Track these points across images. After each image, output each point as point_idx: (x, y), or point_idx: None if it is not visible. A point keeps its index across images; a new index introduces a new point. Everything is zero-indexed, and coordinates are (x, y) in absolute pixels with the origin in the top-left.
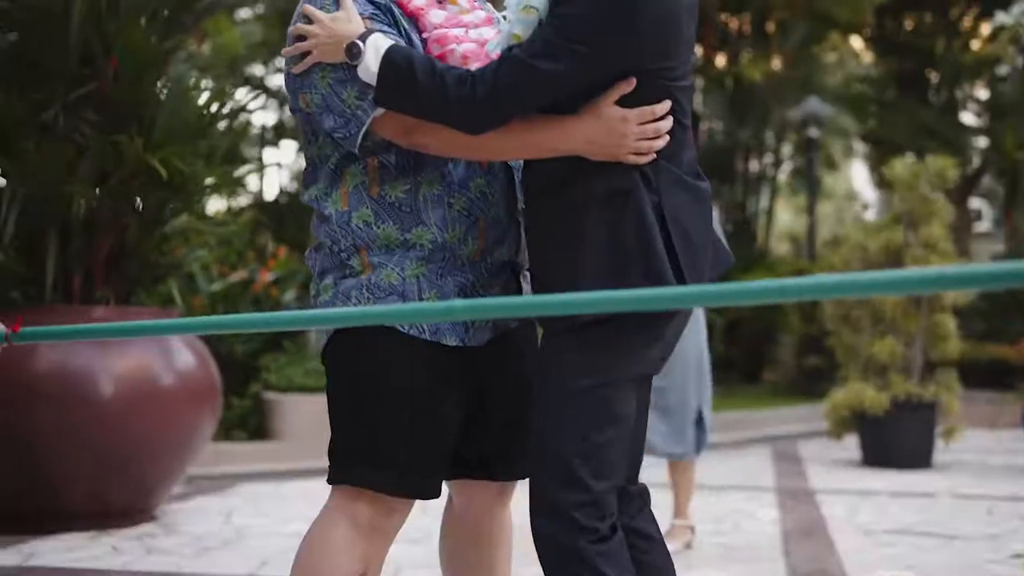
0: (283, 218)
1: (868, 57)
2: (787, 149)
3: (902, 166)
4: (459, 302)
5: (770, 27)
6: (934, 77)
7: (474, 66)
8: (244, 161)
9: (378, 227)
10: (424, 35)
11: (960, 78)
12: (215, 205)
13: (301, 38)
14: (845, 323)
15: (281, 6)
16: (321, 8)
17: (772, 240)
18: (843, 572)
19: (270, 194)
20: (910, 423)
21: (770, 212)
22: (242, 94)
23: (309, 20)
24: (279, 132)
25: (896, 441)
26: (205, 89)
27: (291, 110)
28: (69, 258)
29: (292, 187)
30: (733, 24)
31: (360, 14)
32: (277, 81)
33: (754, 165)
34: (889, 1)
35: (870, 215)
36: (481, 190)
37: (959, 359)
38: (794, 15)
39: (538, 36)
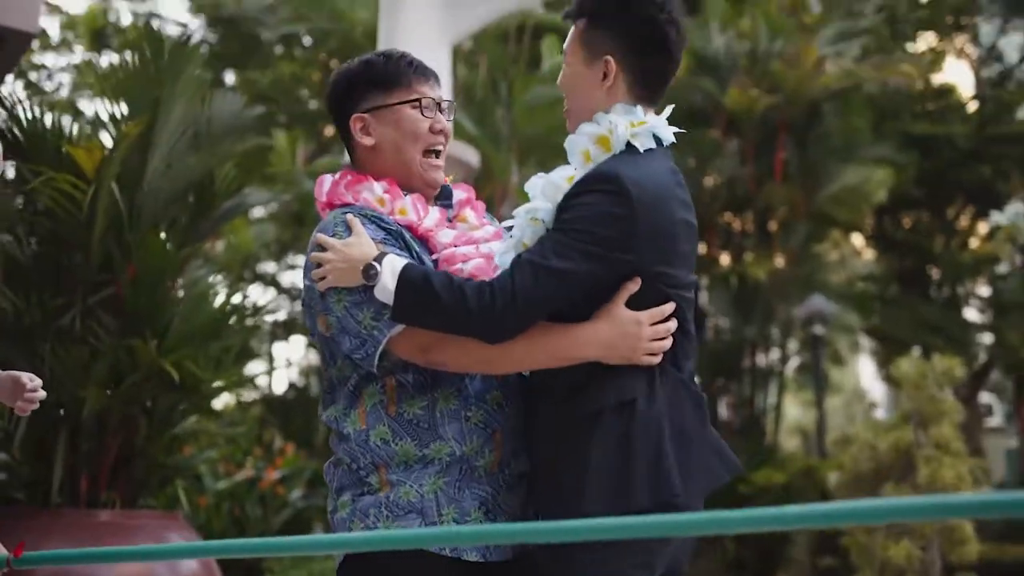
0: (290, 414)
1: (869, 254)
2: (793, 345)
3: (908, 365)
4: (466, 529)
5: (772, 226)
6: (935, 274)
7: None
8: (254, 356)
9: (396, 444)
10: (434, 256)
11: (960, 275)
12: (223, 400)
13: (319, 266)
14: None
15: (293, 208)
16: (333, 235)
17: (781, 435)
18: None
19: (278, 388)
20: None
21: (778, 407)
22: (255, 291)
23: (323, 248)
24: (289, 328)
25: None
26: (220, 292)
27: (310, 333)
28: (77, 460)
29: (300, 383)
30: (736, 224)
31: (375, 238)
32: (289, 278)
33: (761, 360)
34: (887, 201)
35: (879, 413)
36: (497, 402)
37: (978, 561)
38: (795, 215)
39: (546, 239)
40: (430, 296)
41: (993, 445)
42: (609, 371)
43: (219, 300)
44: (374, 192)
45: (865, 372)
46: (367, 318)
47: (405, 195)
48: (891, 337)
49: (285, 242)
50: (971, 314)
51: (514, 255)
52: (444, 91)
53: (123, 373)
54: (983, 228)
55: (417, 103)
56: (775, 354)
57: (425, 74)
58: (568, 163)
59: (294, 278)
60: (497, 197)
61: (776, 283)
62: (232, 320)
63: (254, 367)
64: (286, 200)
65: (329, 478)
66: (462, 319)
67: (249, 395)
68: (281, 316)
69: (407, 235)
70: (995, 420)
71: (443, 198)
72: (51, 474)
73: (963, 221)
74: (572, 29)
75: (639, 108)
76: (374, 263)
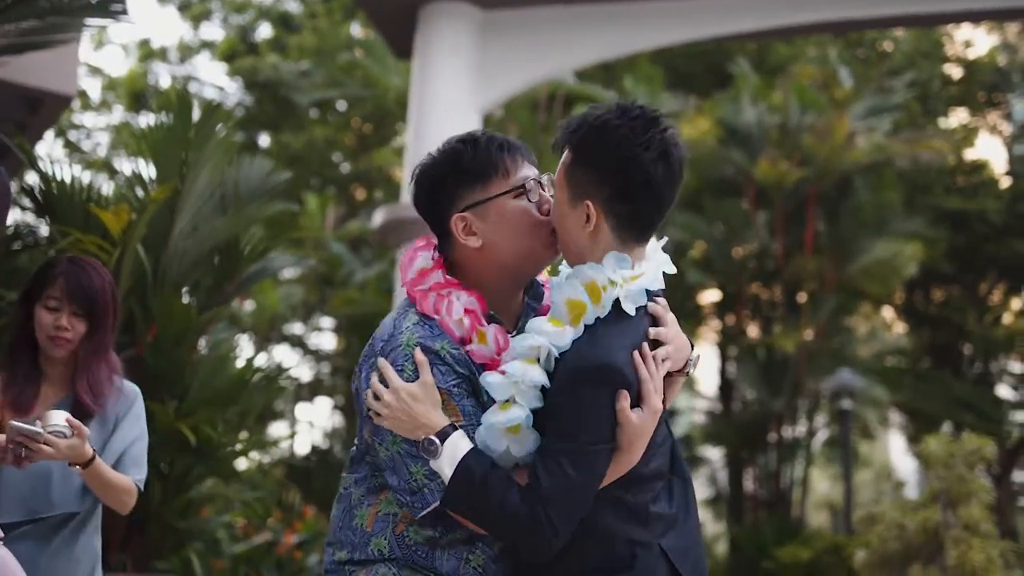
0: (312, 477)
1: (900, 328)
2: (821, 418)
3: (936, 443)
4: None
5: (802, 298)
6: (967, 349)
7: None
8: (277, 417)
9: (389, 562)
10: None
11: (993, 351)
12: (244, 462)
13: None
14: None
15: (321, 270)
16: (400, 371)
17: (808, 509)
18: None
19: (301, 450)
20: None
21: (805, 481)
22: (281, 352)
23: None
24: (314, 389)
25: None
26: (241, 354)
27: (358, 411)
28: None
29: (323, 445)
30: (765, 295)
31: (442, 386)
32: (315, 340)
33: (788, 433)
34: (918, 275)
35: (909, 490)
36: (502, 550)
37: None
38: (825, 288)
39: (556, 446)
40: (482, 502)
41: None
42: (593, 537)
43: (241, 362)
44: (454, 312)
45: (894, 447)
46: (420, 472)
47: (488, 323)
48: (921, 412)
49: (312, 304)
50: (1004, 391)
51: (511, 391)
52: None
53: None
54: (1016, 304)
55: (521, 190)
56: (802, 427)
57: (517, 153)
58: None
59: (319, 340)
60: None
61: (804, 356)
62: (254, 380)
63: (276, 429)
64: (314, 264)
65: (328, 549)
66: (508, 536)
67: (270, 458)
68: (306, 377)
69: (476, 375)
70: None
71: (530, 294)
72: None
73: (995, 296)
74: (560, 160)
75: (628, 258)
76: (435, 440)
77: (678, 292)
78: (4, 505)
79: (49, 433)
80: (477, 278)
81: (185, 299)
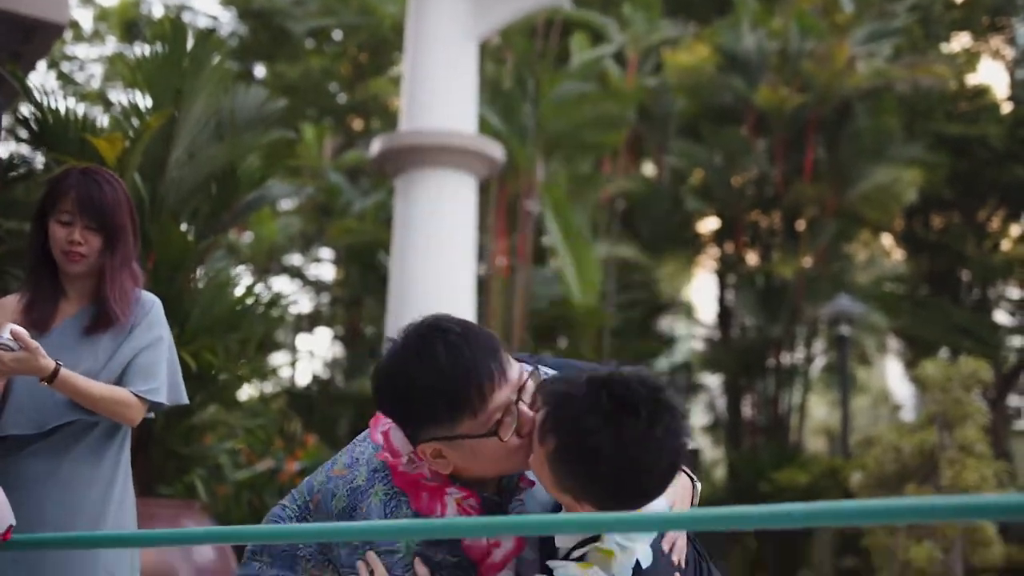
0: (313, 407)
1: (899, 255)
2: (819, 345)
3: (933, 367)
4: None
5: (800, 225)
6: (965, 276)
7: None
8: (278, 347)
9: None
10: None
11: (991, 277)
12: (246, 391)
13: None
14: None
15: (319, 200)
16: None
17: (806, 435)
18: None
19: (302, 381)
20: None
21: (803, 407)
22: (280, 283)
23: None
24: (314, 320)
25: None
26: (239, 283)
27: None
28: None
29: (324, 375)
30: (764, 222)
31: None
32: (314, 271)
33: (786, 360)
34: (917, 201)
35: (905, 414)
36: None
37: (1003, 564)
38: (824, 214)
39: None
40: None
41: (1021, 448)
42: None
43: (240, 290)
44: (450, 514)
45: (892, 373)
46: None
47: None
48: (919, 339)
49: (310, 234)
50: (1001, 317)
51: None
52: (470, 87)
53: None
54: (1015, 230)
55: (494, 430)
56: (801, 354)
57: (487, 379)
58: None
59: (319, 271)
60: (523, 191)
61: (803, 282)
62: (252, 310)
63: (277, 359)
64: (312, 193)
65: None
66: None
67: (272, 387)
68: (306, 309)
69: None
70: (1023, 423)
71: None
72: None
73: (995, 223)
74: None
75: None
76: None
77: (676, 220)
78: (12, 419)
79: None
80: (458, 471)
81: (183, 227)
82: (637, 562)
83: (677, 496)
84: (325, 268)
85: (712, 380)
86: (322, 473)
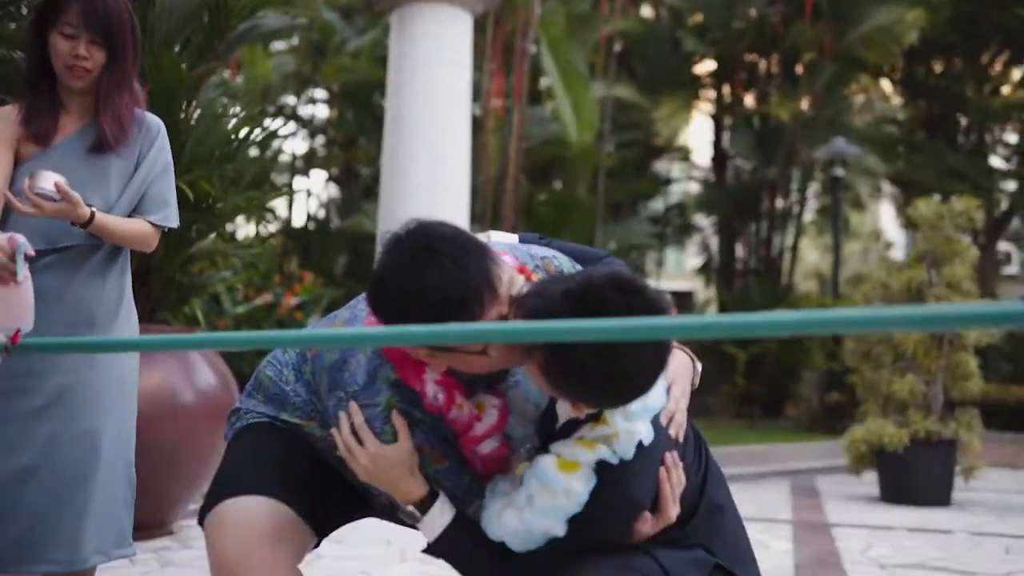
0: (310, 245)
1: (896, 99)
2: (814, 188)
3: (926, 206)
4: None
5: (799, 68)
6: (963, 120)
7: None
8: (274, 189)
9: None
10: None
11: (989, 121)
12: (244, 231)
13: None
14: (866, 360)
15: (314, 38)
16: (379, 434)
17: (797, 277)
18: None
19: (298, 221)
20: (929, 460)
21: (794, 250)
22: (274, 123)
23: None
24: (309, 161)
25: (915, 478)
26: (234, 116)
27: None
28: None
29: (320, 215)
30: (762, 64)
31: (421, 444)
32: (308, 111)
33: (780, 204)
34: (918, 45)
35: (895, 254)
36: None
37: (982, 399)
38: (823, 57)
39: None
40: (460, 565)
41: (1008, 292)
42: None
43: (232, 124)
44: (428, 390)
45: (885, 219)
46: None
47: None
48: (913, 183)
49: (305, 74)
50: (997, 161)
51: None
52: None
53: None
54: (1016, 74)
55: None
56: (795, 197)
57: (482, 306)
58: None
59: (314, 111)
60: (520, 29)
61: (799, 125)
62: (246, 143)
63: (275, 202)
64: (306, 31)
65: None
66: None
67: (270, 228)
68: (301, 150)
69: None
70: (1012, 268)
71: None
72: None
73: (996, 67)
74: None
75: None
76: (416, 511)
77: (674, 61)
78: (23, 233)
79: (36, 194)
80: (451, 368)
81: (175, 56)
82: (639, 440)
83: (677, 375)
84: (319, 108)
85: (706, 222)
86: (323, 324)
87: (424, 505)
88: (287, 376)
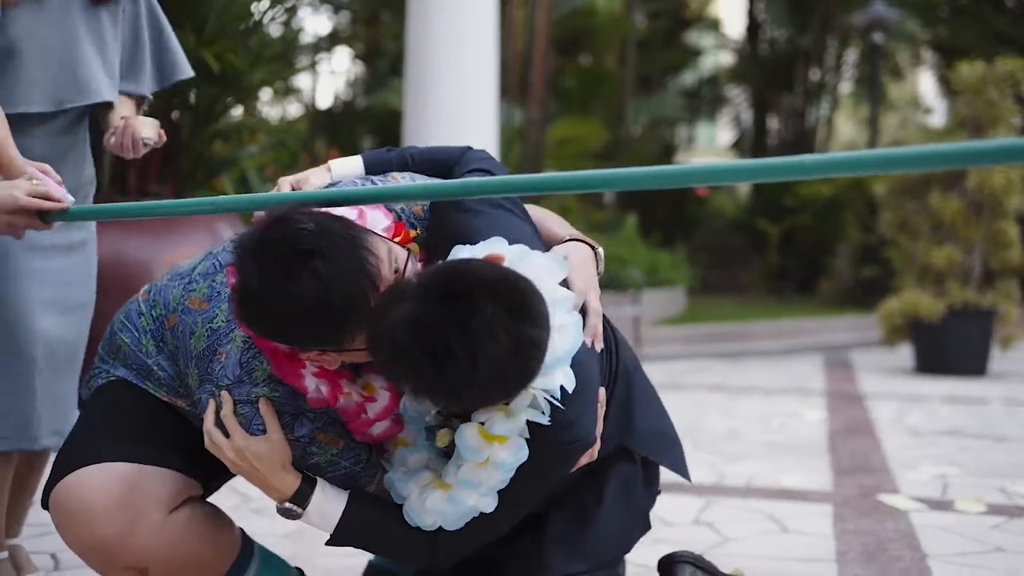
0: (337, 126)
1: None
2: (851, 58)
3: (969, 69)
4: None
5: None
6: None
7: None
8: (299, 71)
9: None
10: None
11: None
12: (268, 114)
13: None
14: (903, 230)
15: None
16: (247, 427)
17: (832, 150)
18: (886, 467)
19: (323, 103)
20: (966, 330)
21: (830, 123)
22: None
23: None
24: (333, 40)
25: (951, 348)
26: None
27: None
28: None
29: (347, 95)
30: None
31: (303, 434)
32: None
33: (815, 75)
34: None
35: (935, 120)
36: None
37: (1021, 268)
38: None
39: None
40: (371, 541)
41: None
42: None
43: None
44: (309, 384)
45: (924, 87)
46: None
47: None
48: (955, 48)
49: None
50: None
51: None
52: None
53: None
54: None
55: None
56: (830, 67)
57: (368, 300)
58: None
59: None
60: None
61: None
62: (269, 12)
63: (298, 80)
64: None
65: None
66: (403, 555)
67: (295, 110)
68: (324, 29)
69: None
70: None
71: None
72: (100, 169)
73: None
74: None
75: None
76: (294, 507)
77: None
78: (24, 94)
79: (142, 144)
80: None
81: None
82: (561, 387)
83: (582, 275)
84: None
85: (739, 95)
86: (178, 287)
87: (301, 497)
88: (147, 347)
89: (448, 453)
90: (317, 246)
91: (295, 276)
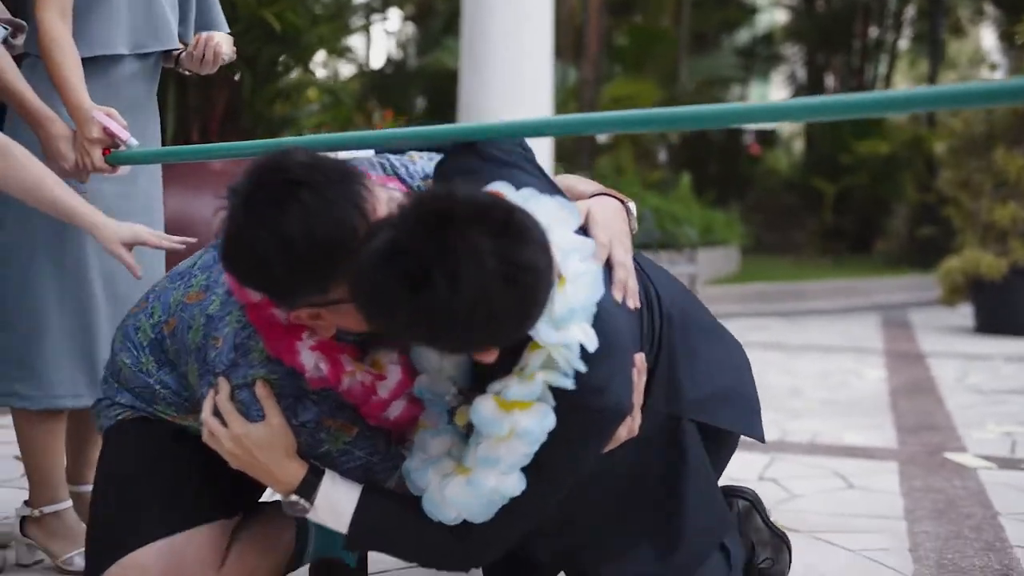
0: (390, 88)
1: None
2: (909, 14)
3: None
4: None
5: None
6: None
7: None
8: (353, 30)
9: None
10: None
11: None
12: (323, 73)
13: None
14: (964, 189)
15: None
16: (247, 414)
17: None
18: (951, 425)
19: (376, 63)
20: None
21: (888, 80)
22: None
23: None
24: (385, 0)
25: (1013, 307)
26: None
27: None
28: (187, 113)
29: (398, 56)
30: None
31: (308, 419)
32: None
33: (873, 32)
34: None
35: (998, 77)
36: None
37: None
38: None
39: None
40: (387, 539)
41: None
42: None
43: None
44: (305, 360)
45: (985, 44)
46: None
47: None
48: (1019, 3)
49: None
50: None
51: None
52: None
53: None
54: None
55: None
56: (889, 24)
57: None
58: None
59: None
60: None
61: None
62: None
63: (351, 41)
64: None
65: None
66: (424, 557)
67: (349, 71)
68: None
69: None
70: None
71: None
72: (163, 129)
73: None
74: None
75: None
76: (299, 499)
77: None
78: (104, 35)
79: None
80: (344, 330)
81: None
82: (581, 346)
83: (611, 228)
84: None
85: (794, 53)
86: (179, 289)
87: (308, 488)
88: (147, 365)
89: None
90: (309, 178)
91: (281, 207)
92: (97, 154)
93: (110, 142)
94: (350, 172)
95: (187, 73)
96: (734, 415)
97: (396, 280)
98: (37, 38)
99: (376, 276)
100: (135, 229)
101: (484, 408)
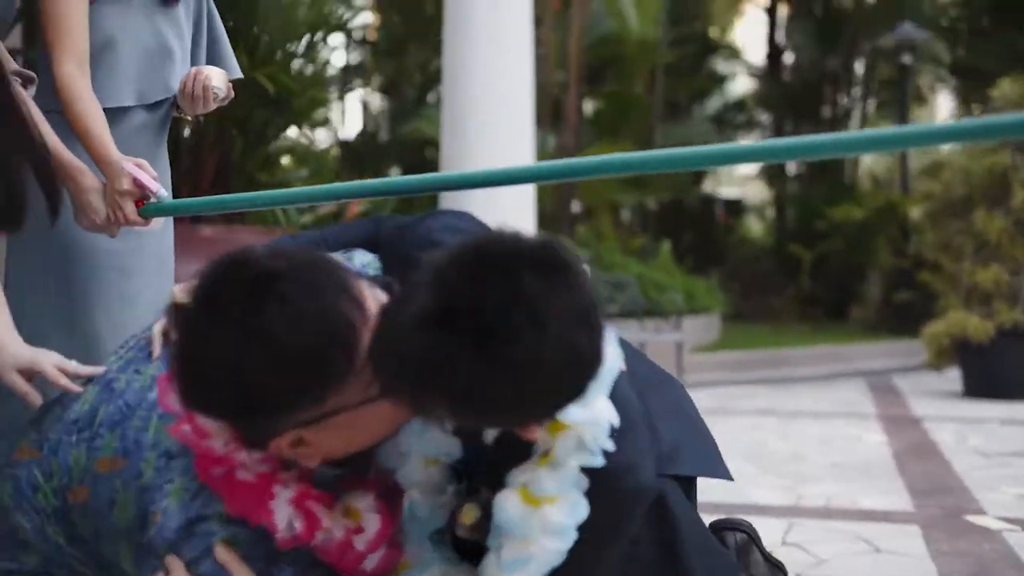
0: (363, 158)
1: None
2: (876, 83)
3: (1010, 85)
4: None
5: None
6: None
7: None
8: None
9: None
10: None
11: None
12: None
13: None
14: (945, 251)
15: None
16: (192, 563)
17: (860, 177)
18: (964, 488)
19: (350, 134)
20: (1017, 352)
21: None
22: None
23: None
24: (356, 72)
25: (1002, 370)
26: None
27: None
28: (177, 177)
29: (370, 127)
30: None
31: None
32: (356, 20)
33: (842, 100)
34: None
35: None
36: None
37: None
38: None
39: None
40: None
41: None
42: None
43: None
44: (280, 518)
45: (943, 112)
46: None
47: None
48: (978, 71)
49: None
50: None
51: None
52: None
53: None
54: None
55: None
56: (856, 94)
57: (355, 327)
58: None
59: (361, 18)
60: None
61: (863, 12)
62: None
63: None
64: None
65: None
66: None
67: (324, 140)
68: (347, 60)
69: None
70: None
71: None
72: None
73: None
74: None
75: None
76: None
77: None
78: (113, 88)
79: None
80: (329, 456)
81: None
82: (608, 424)
83: None
84: (361, 15)
85: (766, 118)
86: (79, 448)
87: None
88: (52, 536)
89: (468, 547)
90: (282, 268)
91: (255, 305)
92: (130, 207)
93: (140, 194)
94: (324, 258)
95: (188, 117)
96: (698, 459)
97: (461, 336)
98: (57, 93)
99: (430, 339)
100: (36, 358)
101: (509, 505)
